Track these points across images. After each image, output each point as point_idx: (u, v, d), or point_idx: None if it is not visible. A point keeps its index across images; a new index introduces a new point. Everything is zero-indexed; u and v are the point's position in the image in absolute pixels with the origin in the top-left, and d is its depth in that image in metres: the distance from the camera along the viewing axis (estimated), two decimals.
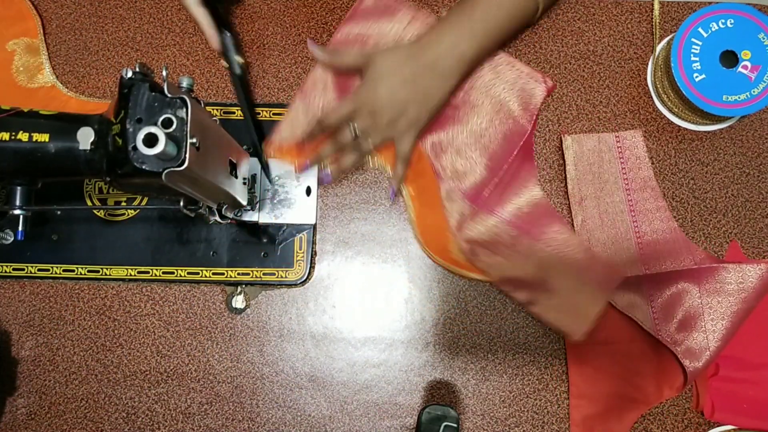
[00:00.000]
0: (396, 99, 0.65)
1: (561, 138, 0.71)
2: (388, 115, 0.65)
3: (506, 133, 0.70)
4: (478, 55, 0.66)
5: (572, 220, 0.70)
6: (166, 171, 0.46)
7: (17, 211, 0.53)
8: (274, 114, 0.72)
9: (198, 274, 0.70)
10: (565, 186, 0.71)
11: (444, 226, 0.69)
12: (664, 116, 0.73)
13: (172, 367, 0.69)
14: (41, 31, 0.74)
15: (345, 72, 0.70)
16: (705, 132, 0.72)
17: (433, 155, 0.71)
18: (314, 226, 0.71)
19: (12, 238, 0.70)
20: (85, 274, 0.69)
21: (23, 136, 0.49)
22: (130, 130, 0.47)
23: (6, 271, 0.69)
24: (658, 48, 0.72)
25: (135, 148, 0.46)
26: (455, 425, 0.65)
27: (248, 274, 0.70)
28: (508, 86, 0.71)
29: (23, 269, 0.69)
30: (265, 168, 0.69)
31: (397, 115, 0.65)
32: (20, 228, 0.55)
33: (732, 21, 0.67)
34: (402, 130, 0.66)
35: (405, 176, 0.69)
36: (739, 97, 0.66)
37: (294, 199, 0.70)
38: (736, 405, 0.67)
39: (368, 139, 0.66)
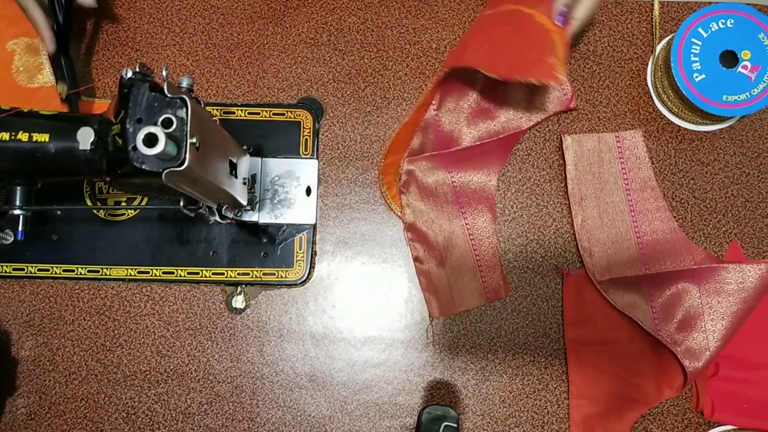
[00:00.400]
0: None
1: (561, 138, 0.71)
2: None
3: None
4: None
5: (572, 219, 0.70)
6: (166, 171, 0.46)
7: (17, 211, 0.53)
8: (274, 114, 0.72)
9: (198, 274, 0.70)
10: (565, 186, 0.71)
11: (404, 145, 0.71)
12: (664, 116, 0.73)
13: (172, 367, 0.69)
14: None
15: None
16: (705, 132, 0.72)
17: (439, 93, 0.71)
18: (314, 226, 0.71)
19: (12, 238, 0.69)
20: (85, 274, 0.69)
21: (23, 136, 0.49)
22: (130, 130, 0.47)
23: (6, 271, 0.69)
24: (658, 48, 0.72)
25: (135, 148, 0.46)
26: (455, 425, 0.65)
27: (248, 274, 0.70)
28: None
29: (23, 269, 0.69)
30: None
31: None
32: (20, 228, 0.55)
33: (732, 21, 0.67)
34: None
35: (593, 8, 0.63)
36: (739, 97, 0.66)
37: (294, 199, 0.70)
38: (736, 405, 0.67)
39: None
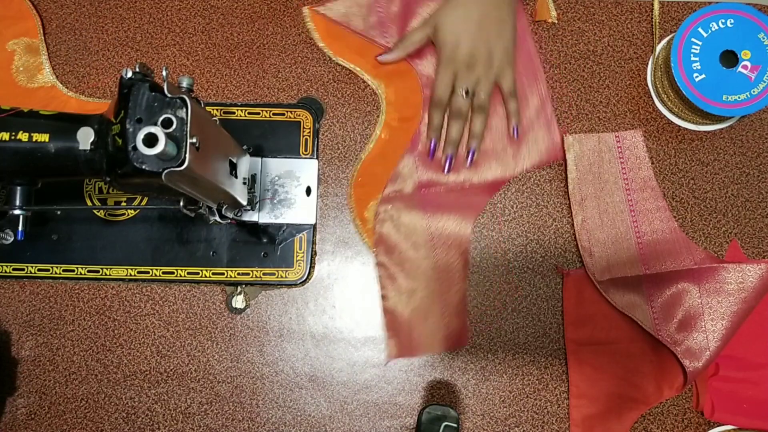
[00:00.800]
0: (480, 42, 0.67)
1: (563, 138, 0.71)
2: (483, 62, 0.67)
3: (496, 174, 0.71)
4: None
5: (572, 219, 0.70)
6: (166, 171, 0.46)
7: (17, 211, 0.53)
8: (274, 114, 0.72)
9: (198, 274, 0.70)
10: (565, 186, 0.71)
11: (378, 180, 0.71)
12: (664, 116, 0.73)
13: (172, 367, 0.69)
14: (41, 31, 0.73)
15: (419, 50, 0.71)
16: (705, 132, 0.72)
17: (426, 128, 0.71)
18: (314, 226, 0.71)
19: (12, 238, 0.69)
20: (85, 274, 0.69)
21: (23, 136, 0.49)
22: (130, 130, 0.47)
23: (6, 271, 0.69)
24: (658, 48, 0.72)
25: (135, 148, 0.46)
26: (455, 425, 0.65)
27: (248, 274, 0.70)
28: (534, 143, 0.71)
29: (23, 269, 0.69)
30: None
31: (488, 56, 0.67)
32: (20, 228, 0.55)
33: (732, 21, 0.67)
34: (501, 68, 0.68)
35: (518, 110, 0.70)
36: (739, 97, 0.66)
37: (294, 199, 0.70)
38: (736, 405, 0.67)
39: (480, 93, 0.68)
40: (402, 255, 0.69)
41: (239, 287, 0.70)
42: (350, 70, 0.73)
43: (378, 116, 0.73)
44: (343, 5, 0.73)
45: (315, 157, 0.72)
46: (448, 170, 0.70)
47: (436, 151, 0.70)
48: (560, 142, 0.71)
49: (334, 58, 0.73)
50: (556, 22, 0.73)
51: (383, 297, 0.69)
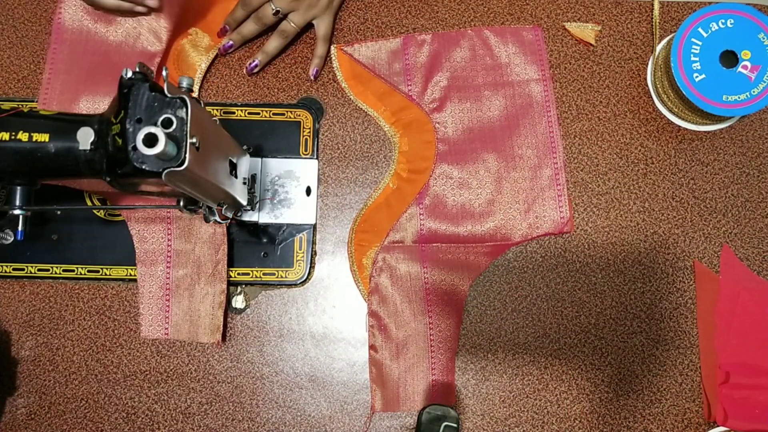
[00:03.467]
0: None
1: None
2: None
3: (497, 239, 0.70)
4: None
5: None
6: (166, 171, 0.46)
7: (17, 211, 0.53)
8: (274, 114, 0.72)
9: None
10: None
11: (380, 228, 0.70)
12: (664, 116, 0.73)
13: (172, 367, 0.69)
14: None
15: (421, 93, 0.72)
16: (705, 132, 0.72)
17: (442, 183, 0.71)
18: (314, 226, 0.71)
19: (12, 238, 0.69)
20: (85, 274, 0.69)
21: (23, 136, 0.49)
22: (130, 130, 0.47)
23: (6, 271, 0.69)
24: (658, 48, 0.72)
25: (135, 148, 0.46)
26: (455, 425, 0.65)
27: (248, 274, 0.70)
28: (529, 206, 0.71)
29: (23, 269, 0.69)
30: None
31: None
32: (20, 228, 0.55)
33: (732, 21, 0.67)
34: (321, 10, 0.69)
35: (325, 55, 0.72)
36: (739, 97, 0.66)
37: (294, 199, 0.70)
38: (748, 411, 0.67)
39: (290, 20, 0.69)
40: (396, 307, 0.68)
41: (239, 287, 0.70)
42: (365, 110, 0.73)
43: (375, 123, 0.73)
44: (372, 49, 0.73)
45: (315, 157, 0.72)
46: (223, 53, 0.72)
47: (222, 35, 0.72)
48: (569, 216, 0.70)
49: (353, 99, 0.73)
50: (595, 44, 0.73)
51: (372, 347, 0.68)
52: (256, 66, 0.71)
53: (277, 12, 0.68)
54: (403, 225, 0.70)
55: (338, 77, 0.73)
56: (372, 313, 0.69)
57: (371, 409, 0.67)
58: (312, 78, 0.72)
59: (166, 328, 0.67)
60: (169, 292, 0.67)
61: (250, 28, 0.70)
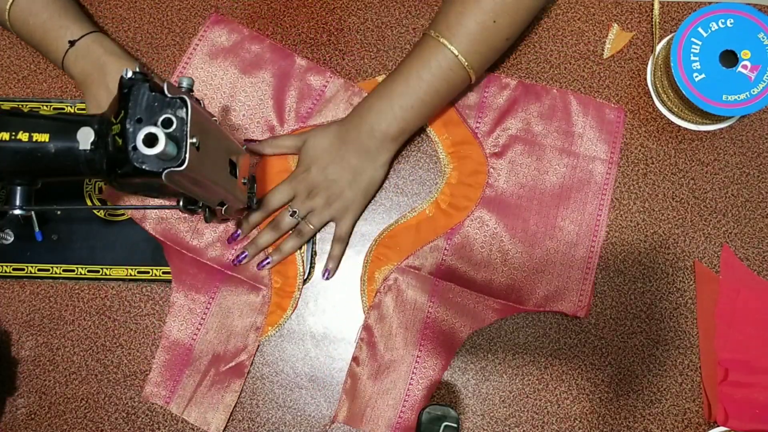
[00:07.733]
0: (329, 180, 0.66)
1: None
2: (323, 197, 0.66)
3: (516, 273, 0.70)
4: (402, 130, 0.65)
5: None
6: (166, 171, 0.46)
7: (17, 211, 0.53)
8: None
9: None
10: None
11: (402, 247, 0.70)
12: (664, 116, 0.73)
13: None
14: None
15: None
16: (705, 132, 0.72)
17: (476, 226, 0.70)
18: None
19: (12, 238, 0.70)
20: (85, 274, 0.69)
21: (23, 136, 0.49)
22: (130, 130, 0.47)
23: (6, 271, 0.69)
24: (658, 48, 0.72)
25: (135, 148, 0.46)
26: (455, 425, 0.65)
27: None
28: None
29: (23, 269, 0.69)
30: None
31: (332, 196, 0.66)
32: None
33: (732, 21, 0.67)
34: (340, 212, 0.67)
35: (340, 257, 0.69)
36: (739, 97, 0.66)
37: None
38: (748, 411, 0.66)
39: (308, 222, 0.67)
40: (391, 330, 0.68)
41: None
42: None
43: None
44: None
45: None
46: (236, 264, 0.68)
47: (235, 241, 0.69)
48: (587, 303, 0.69)
49: None
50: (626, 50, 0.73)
51: (355, 359, 0.68)
52: (268, 263, 0.68)
53: (294, 213, 0.67)
54: (426, 254, 0.69)
55: None
56: (366, 327, 0.68)
57: (333, 419, 0.67)
58: (323, 278, 0.69)
59: (169, 398, 0.67)
60: (188, 360, 0.68)
61: (267, 238, 0.68)
